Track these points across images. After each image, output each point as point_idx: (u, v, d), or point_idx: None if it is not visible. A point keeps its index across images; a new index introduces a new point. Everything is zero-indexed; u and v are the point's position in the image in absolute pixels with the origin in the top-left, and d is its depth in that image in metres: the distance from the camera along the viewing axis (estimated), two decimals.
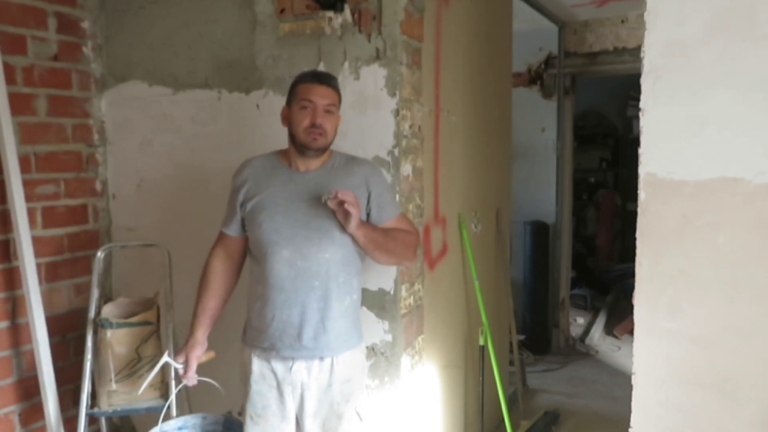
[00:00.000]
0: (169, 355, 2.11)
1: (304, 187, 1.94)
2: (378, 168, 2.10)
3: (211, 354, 2.07)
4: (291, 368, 1.95)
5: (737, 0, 1.51)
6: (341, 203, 1.80)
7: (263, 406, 1.98)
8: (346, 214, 1.81)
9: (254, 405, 1.99)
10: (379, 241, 1.93)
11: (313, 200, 1.92)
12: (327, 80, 1.95)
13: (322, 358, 1.94)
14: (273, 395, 1.98)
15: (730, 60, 1.52)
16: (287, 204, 1.93)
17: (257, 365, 1.98)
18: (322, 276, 1.91)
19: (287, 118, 1.97)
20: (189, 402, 2.49)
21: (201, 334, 2.03)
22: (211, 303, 2.05)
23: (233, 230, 2.05)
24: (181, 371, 2.03)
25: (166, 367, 2.39)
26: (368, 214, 1.98)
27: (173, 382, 2.26)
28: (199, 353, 2.02)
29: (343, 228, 1.88)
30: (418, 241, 2.09)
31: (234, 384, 2.12)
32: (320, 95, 1.91)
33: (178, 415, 2.24)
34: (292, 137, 1.95)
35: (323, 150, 1.96)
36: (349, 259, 1.96)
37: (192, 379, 2.03)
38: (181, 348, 2.05)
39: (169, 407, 2.22)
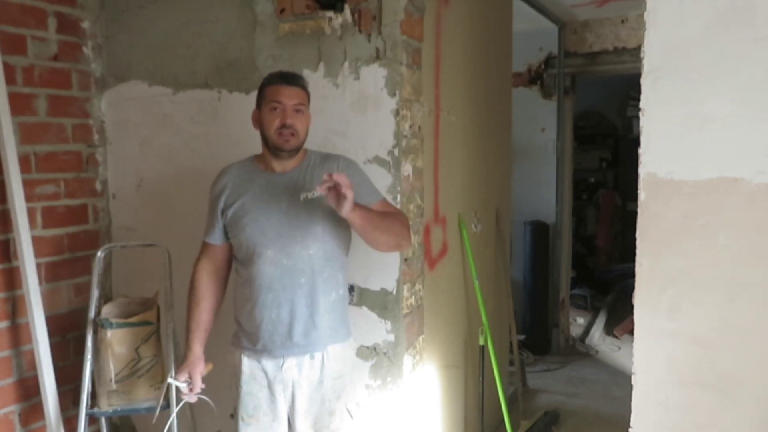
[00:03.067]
0: (171, 377, 2.10)
1: (283, 187, 1.96)
2: (353, 161, 2.09)
3: (210, 365, 2.08)
4: (282, 366, 1.96)
5: (737, 0, 1.51)
6: (335, 187, 1.73)
7: (254, 406, 1.99)
8: (340, 198, 1.73)
9: (245, 406, 2.00)
10: (375, 220, 1.87)
11: (293, 200, 1.94)
12: (294, 80, 1.95)
13: (312, 356, 1.96)
14: (264, 395, 1.99)
15: (730, 60, 1.52)
16: (268, 206, 1.95)
17: (247, 366, 2.00)
18: (308, 272, 1.93)
19: (258, 121, 1.97)
20: (191, 408, 2.49)
21: (199, 349, 2.05)
22: (204, 316, 2.06)
23: (216, 239, 2.06)
24: (185, 389, 2.03)
25: (165, 367, 2.39)
26: None
27: (174, 400, 2.23)
28: (201, 368, 2.04)
29: (325, 224, 1.91)
30: (408, 223, 2.05)
31: (226, 387, 2.11)
32: (288, 96, 1.91)
33: (180, 424, 2.24)
34: (265, 139, 1.96)
35: (296, 150, 1.97)
36: (332, 255, 1.98)
37: (193, 397, 2.04)
38: (182, 366, 2.05)
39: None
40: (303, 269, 1.93)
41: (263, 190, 1.97)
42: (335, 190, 1.73)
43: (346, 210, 1.74)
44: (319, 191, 1.74)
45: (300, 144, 1.97)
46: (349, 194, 1.72)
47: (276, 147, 1.93)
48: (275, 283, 1.93)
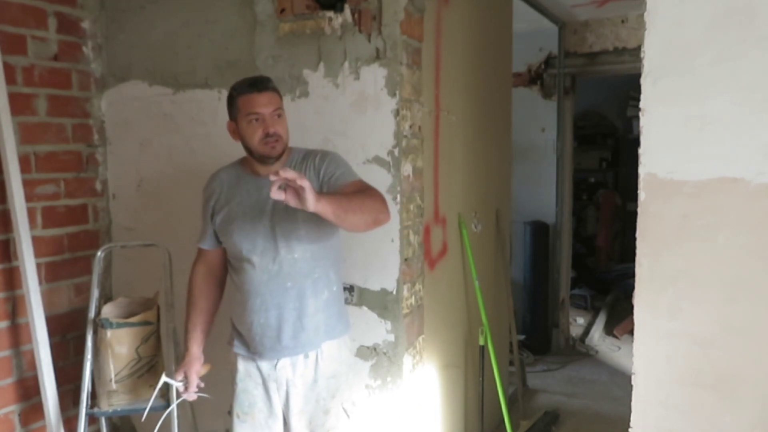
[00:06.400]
0: (167, 375, 2.10)
1: (268, 191, 1.90)
2: (330, 152, 1.99)
3: (208, 366, 2.09)
4: (276, 366, 1.97)
5: (737, 0, 1.51)
6: (289, 186, 1.59)
7: (249, 403, 2.00)
8: (299, 194, 1.58)
9: (241, 403, 2.01)
10: (344, 203, 1.72)
11: (277, 204, 1.88)
12: (265, 86, 1.89)
13: (306, 355, 1.96)
14: (259, 392, 2.00)
15: (730, 60, 1.52)
16: (254, 211, 1.94)
17: (242, 364, 2.02)
18: (295, 276, 1.92)
19: (236, 133, 1.93)
20: (192, 407, 2.49)
21: (197, 349, 2.05)
22: (201, 318, 2.07)
23: (208, 244, 2.07)
24: (181, 389, 2.04)
25: (165, 367, 2.39)
26: (322, 188, 1.89)
27: (174, 396, 2.23)
28: (197, 368, 2.05)
29: (308, 226, 1.87)
30: (383, 198, 1.89)
31: (226, 386, 2.11)
32: (264, 104, 1.87)
33: (179, 421, 2.24)
34: (249, 151, 1.93)
35: (282, 153, 1.94)
36: (321, 255, 1.95)
37: (191, 395, 2.05)
38: (179, 365, 2.06)
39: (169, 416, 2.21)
40: (289, 273, 1.92)
41: (249, 195, 1.97)
42: (292, 189, 1.59)
43: (310, 203, 1.58)
44: (274, 196, 1.59)
45: (285, 147, 1.94)
46: (305, 183, 1.56)
47: (263, 156, 1.91)
48: (262, 288, 1.93)
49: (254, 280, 1.93)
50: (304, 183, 1.55)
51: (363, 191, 1.86)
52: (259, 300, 1.94)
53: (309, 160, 1.98)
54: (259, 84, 1.89)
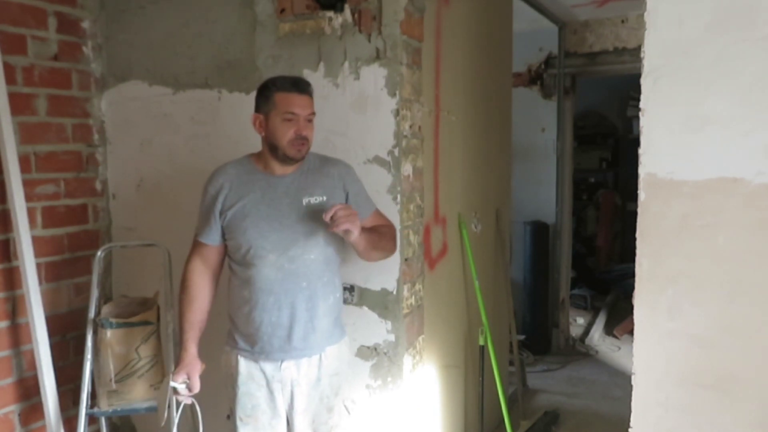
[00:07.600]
0: (172, 380, 2.06)
1: (284, 190, 1.96)
2: (351, 167, 2.11)
3: (203, 365, 2.07)
4: (280, 366, 1.97)
5: (737, 0, 1.51)
6: (342, 218, 1.81)
7: (253, 406, 1.99)
8: (348, 228, 1.83)
9: (243, 406, 2.00)
10: (375, 241, 1.98)
11: (294, 204, 1.94)
12: (306, 89, 1.93)
13: (310, 356, 1.97)
14: (262, 394, 1.99)
15: (730, 60, 1.52)
16: (270, 209, 1.94)
17: (245, 366, 1.99)
18: (309, 276, 1.94)
19: (263, 127, 1.94)
20: (192, 410, 2.47)
21: (195, 349, 2.02)
22: (198, 316, 2.04)
23: (212, 239, 2.03)
24: (185, 392, 2.00)
25: (165, 368, 2.39)
26: None
27: (175, 403, 2.20)
28: (198, 368, 2.01)
29: (326, 229, 1.90)
30: (396, 233, 2.18)
31: (218, 387, 2.10)
32: (302, 106, 1.91)
33: (180, 423, 2.23)
34: (273, 147, 1.93)
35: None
36: (331, 259, 2.00)
37: (188, 398, 2.02)
38: (179, 367, 2.00)
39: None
40: (305, 273, 1.94)
41: (264, 192, 1.96)
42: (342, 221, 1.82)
43: (354, 237, 1.86)
44: (326, 219, 1.83)
45: (309, 150, 1.97)
46: (356, 229, 1.84)
47: (287, 156, 1.93)
48: (276, 287, 1.93)
49: (268, 278, 1.93)
50: (355, 228, 1.83)
51: (386, 231, 2.09)
52: (272, 298, 1.93)
53: (331, 168, 2.03)
54: (301, 86, 1.93)
